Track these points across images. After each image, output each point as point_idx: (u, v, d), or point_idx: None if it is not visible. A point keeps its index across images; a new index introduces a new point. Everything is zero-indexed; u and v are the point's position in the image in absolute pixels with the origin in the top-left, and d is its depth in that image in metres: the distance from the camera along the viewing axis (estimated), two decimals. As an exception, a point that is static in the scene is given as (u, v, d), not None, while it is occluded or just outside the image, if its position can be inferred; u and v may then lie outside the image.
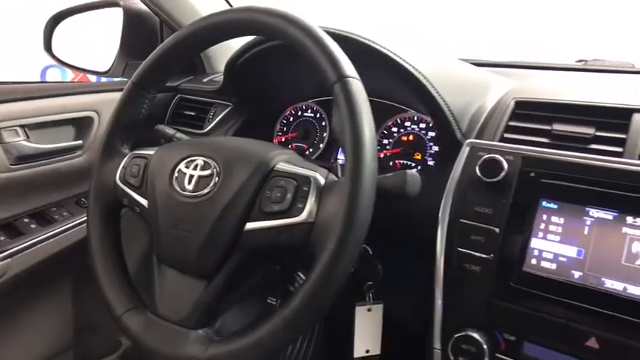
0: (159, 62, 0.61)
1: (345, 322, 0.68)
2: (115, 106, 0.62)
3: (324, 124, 0.87)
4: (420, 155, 0.76)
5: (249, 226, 0.50)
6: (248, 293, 0.69)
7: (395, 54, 0.63)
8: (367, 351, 0.65)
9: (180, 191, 0.54)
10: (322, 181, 0.49)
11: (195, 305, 0.52)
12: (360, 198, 0.44)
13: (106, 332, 0.95)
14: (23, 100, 0.77)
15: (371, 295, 0.65)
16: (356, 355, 0.65)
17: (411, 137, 0.77)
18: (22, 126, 0.76)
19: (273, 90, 0.89)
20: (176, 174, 0.55)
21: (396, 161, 0.78)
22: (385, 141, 0.79)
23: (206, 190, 0.52)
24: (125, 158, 0.61)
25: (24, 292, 0.82)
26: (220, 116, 0.88)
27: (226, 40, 0.59)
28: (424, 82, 0.62)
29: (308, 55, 0.50)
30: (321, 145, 0.86)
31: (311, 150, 0.87)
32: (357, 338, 0.65)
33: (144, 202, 0.57)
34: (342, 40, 0.63)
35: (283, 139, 0.90)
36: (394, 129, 0.79)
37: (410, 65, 0.62)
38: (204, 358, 0.49)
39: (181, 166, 0.55)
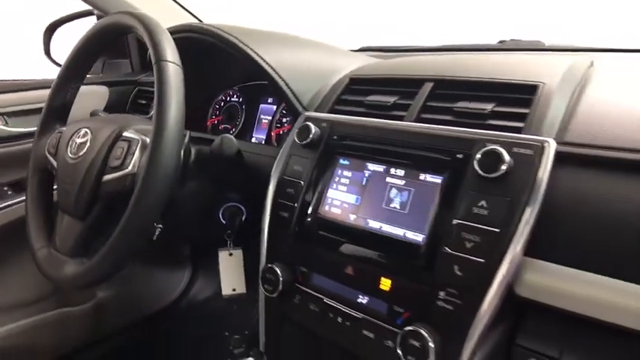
0: (73, 63, 0.79)
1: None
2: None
3: (244, 107, 1.01)
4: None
5: (105, 178, 0.66)
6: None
7: (246, 46, 0.76)
8: (234, 289, 0.78)
9: (69, 154, 0.71)
10: (147, 142, 0.63)
11: (74, 240, 0.69)
12: (158, 152, 0.58)
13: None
14: (2, 92, 0.98)
15: (231, 242, 0.78)
16: (224, 292, 0.78)
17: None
18: (1, 114, 0.98)
19: (206, 79, 1.04)
20: (69, 142, 0.72)
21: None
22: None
23: (80, 153, 0.69)
24: (53, 133, 0.79)
25: (10, 245, 1.04)
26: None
27: (114, 39, 0.76)
28: (269, 70, 0.74)
29: (145, 42, 0.64)
30: (239, 125, 1.00)
31: (234, 130, 1.02)
32: (223, 279, 0.78)
33: (55, 165, 0.75)
34: (204, 32, 0.78)
35: (215, 122, 1.05)
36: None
37: (259, 57, 0.75)
38: (69, 275, 0.66)
39: (74, 135, 0.72)
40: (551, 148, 0.49)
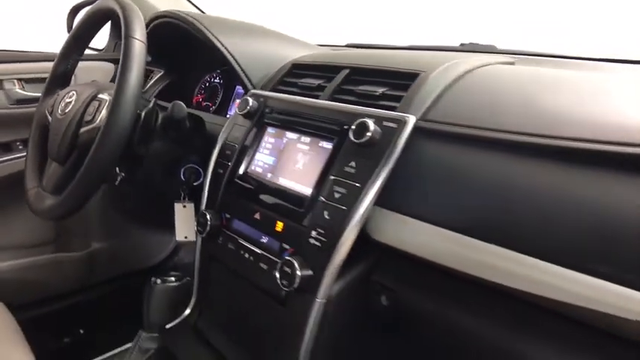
0: (72, 40, 0.95)
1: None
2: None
3: (222, 88, 1.15)
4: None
5: (81, 130, 0.81)
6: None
7: (211, 33, 0.90)
8: (186, 237, 0.92)
9: (58, 112, 0.86)
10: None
11: (55, 180, 0.85)
12: (115, 109, 0.72)
13: (78, 234, 1.33)
14: (21, 62, 1.16)
15: (186, 195, 0.92)
16: (177, 238, 0.92)
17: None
18: (19, 79, 1.16)
19: (194, 62, 1.19)
20: (60, 101, 0.88)
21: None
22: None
23: (67, 110, 0.84)
24: (54, 95, 0.95)
25: (19, 192, 1.21)
26: (154, 79, 1.20)
27: (104, 20, 0.91)
28: (227, 54, 0.88)
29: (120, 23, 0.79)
30: (217, 103, 1.15)
31: (213, 107, 1.16)
32: (177, 227, 0.92)
33: (50, 121, 0.91)
34: (179, 19, 0.92)
35: (200, 99, 1.20)
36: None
37: (220, 43, 0.88)
38: (46, 207, 0.81)
39: (65, 96, 0.88)
40: (410, 123, 0.60)
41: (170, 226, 0.93)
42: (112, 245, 1.38)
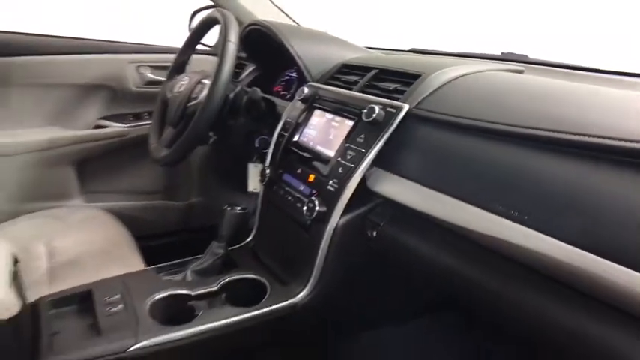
0: (189, 40, 1.30)
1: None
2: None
3: (296, 81, 1.45)
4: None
5: (188, 104, 1.15)
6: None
7: (284, 38, 1.19)
8: (255, 189, 1.23)
9: (174, 91, 1.22)
10: None
11: (169, 139, 1.20)
12: (210, 91, 1.05)
13: (182, 188, 1.72)
14: (152, 53, 1.56)
15: (257, 158, 1.23)
16: (249, 190, 1.24)
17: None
18: (150, 66, 1.56)
19: (276, 60, 1.50)
20: (177, 84, 1.23)
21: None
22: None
23: (180, 90, 1.19)
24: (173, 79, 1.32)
25: (142, 150, 1.62)
26: (246, 72, 1.53)
27: (212, 26, 1.25)
28: (294, 55, 1.17)
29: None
30: (291, 92, 1.45)
31: (288, 95, 1.46)
32: (249, 182, 1.24)
33: (169, 97, 1.27)
34: (263, 26, 1.23)
35: (279, 89, 1.51)
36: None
37: (289, 44, 1.18)
38: (161, 157, 1.17)
39: (180, 80, 1.23)
40: (404, 109, 0.84)
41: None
42: (205, 200, 1.75)
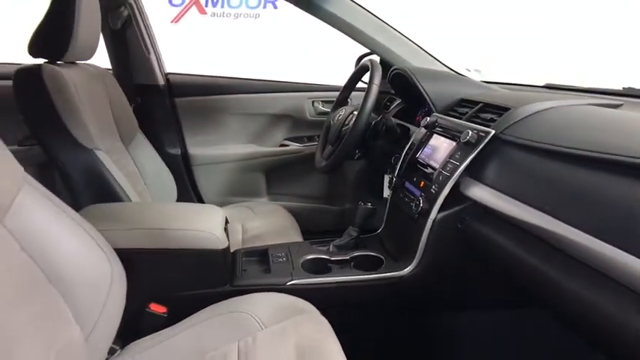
0: (349, 82, 1.74)
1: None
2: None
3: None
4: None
5: (343, 129, 1.57)
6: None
7: (415, 79, 1.53)
8: (388, 195, 1.58)
9: (335, 120, 1.65)
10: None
11: (329, 153, 1.63)
12: (357, 120, 1.44)
13: (338, 196, 2.16)
14: (322, 91, 2.05)
15: (391, 171, 1.57)
16: (384, 195, 1.59)
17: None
18: (321, 101, 2.05)
19: (416, 95, 1.84)
20: (337, 114, 1.66)
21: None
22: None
23: (338, 118, 1.62)
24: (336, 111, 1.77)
25: (305, 165, 2.10)
26: (394, 104, 1.91)
27: (365, 72, 1.67)
28: (424, 93, 1.50)
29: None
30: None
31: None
32: (385, 189, 1.58)
33: (331, 124, 1.72)
34: (403, 71, 1.60)
35: (420, 119, 1.85)
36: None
37: (419, 83, 1.52)
38: (321, 167, 1.61)
39: (340, 111, 1.66)
40: (490, 134, 1.12)
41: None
42: (354, 207, 2.15)
